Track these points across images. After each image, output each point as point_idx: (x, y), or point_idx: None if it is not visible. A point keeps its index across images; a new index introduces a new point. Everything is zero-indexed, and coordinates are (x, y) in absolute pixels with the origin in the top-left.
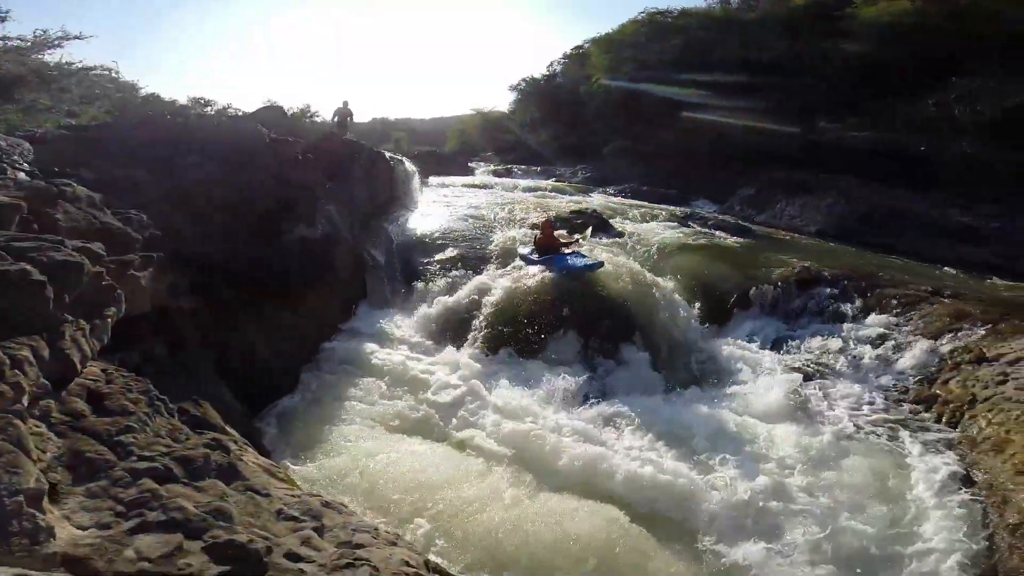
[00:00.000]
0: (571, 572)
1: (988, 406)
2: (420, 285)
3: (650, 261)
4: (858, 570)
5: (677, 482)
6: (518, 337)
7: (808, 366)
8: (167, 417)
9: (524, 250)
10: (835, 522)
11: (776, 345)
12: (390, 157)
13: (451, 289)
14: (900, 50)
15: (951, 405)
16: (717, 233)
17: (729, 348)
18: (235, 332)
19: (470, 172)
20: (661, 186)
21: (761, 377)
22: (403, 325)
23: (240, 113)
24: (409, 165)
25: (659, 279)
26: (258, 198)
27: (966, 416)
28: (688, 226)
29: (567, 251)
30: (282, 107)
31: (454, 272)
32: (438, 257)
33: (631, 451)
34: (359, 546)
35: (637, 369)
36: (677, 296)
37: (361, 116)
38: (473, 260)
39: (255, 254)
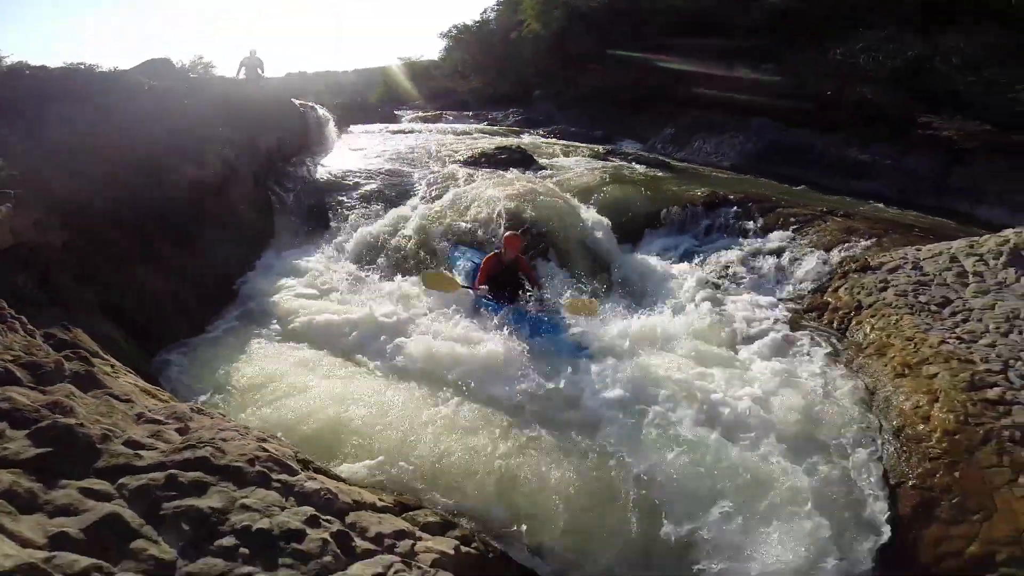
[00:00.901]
0: (482, 481)
1: (871, 312)
2: (334, 222)
3: (571, 189)
4: (743, 467)
5: (582, 381)
6: (436, 261)
7: (714, 275)
8: (23, 335)
9: (461, 277)
10: (725, 419)
11: (685, 258)
12: (300, 104)
13: (366, 221)
14: (814, 3)
15: (840, 312)
16: (636, 166)
17: (643, 262)
18: (124, 272)
19: (397, 120)
20: (589, 128)
21: (671, 286)
22: (315, 259)
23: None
24: (323, 112)
25: (579, 203)
26: (140, 145)
27: (853, 323)
28: (609, 160)
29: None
30: (169, 59)
31: (371, 206)
32: (354, 195)
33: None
34: (221, 441)
35: (553, 283)
36: (596, 215)
37: (276, 71)
38: (392, 195)
39: (142, 196)
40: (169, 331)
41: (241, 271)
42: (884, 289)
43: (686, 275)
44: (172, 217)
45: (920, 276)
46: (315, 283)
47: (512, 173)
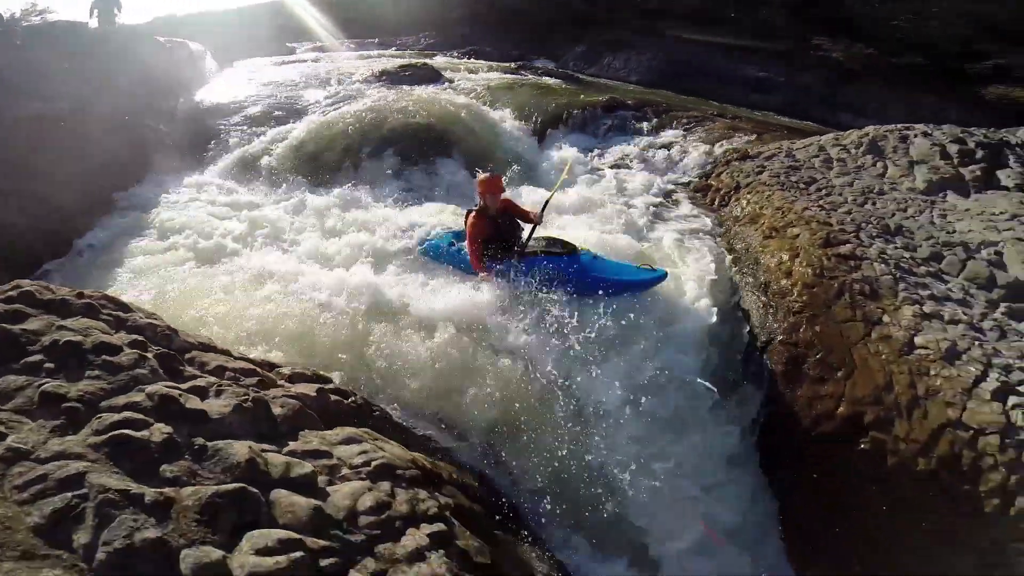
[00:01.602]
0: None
1: (748, 190)
2: (214, 148)
3: (479, 96)
4: (625, 322)
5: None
6: (328, 167)
7: (611, 166)
8: None
9: (435, 236)
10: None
11: (587, 154)
12: (166, 40)
13: (247, 142)
14: None
15: (721, 191)
16: (546, 79)
17: (547, 154)
18: None
19: (291, 52)
20: (504, 49)
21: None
22: (196, 179)
23: None
24: (196, 46)
25: (486, 107)
26: None
27: (732, 200)
28: (520, 75)
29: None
30: None
31: (255, 128)
32: (237, 120)
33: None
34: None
35: (454, 179)
36: (504, 114)
37: (138, 15)
38: (280, 115)
39: None
40: (33, 258)
41: (108, 198)
42: (760, 173)
43: (588, 164)
44: (23, 150)
45: (792, 162)
46: (195, 199)
47: (417, 88)
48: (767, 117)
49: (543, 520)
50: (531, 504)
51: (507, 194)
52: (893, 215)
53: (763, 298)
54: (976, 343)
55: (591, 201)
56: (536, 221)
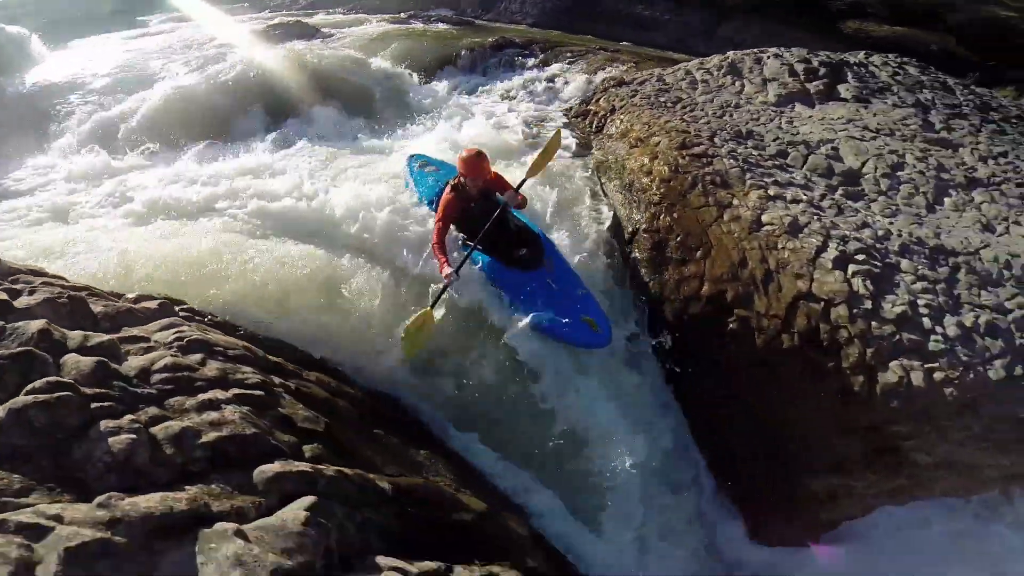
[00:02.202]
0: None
1: (622, 111)
2: (55, 124)
3: (360, 48)
4: None
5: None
6: (191, 132)
7: (497, 99)
8: None
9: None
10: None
11: (473, 91)
12: None
13: (94, 113)
14: None
15: (599, 115)
16: (439, 25)
17: (434, 95)
18: None
19: (140, 26)
20: (391, 7)
21: (459, 110)
22: (40, 161)
23: None
24: (16, 30)
25: (366, 56)
26: None
27: (607, 121)
28: (410, 23)
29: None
30: None
31: (101, 102)
32: (76, 97)
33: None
34: None
35: (328, 122)
36: (380, 62)
37: None
38: (130, 87)
39: None
40: None
41: None
42: (633, 96)
43: (473, 102)
44: None
45: (662, 86)
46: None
47: (288, 44)
48: (647, 51)
49: (448, 433)
50: (432, 415)
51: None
52: (747, 124)
53: (627, 196)
54: (815, 218)
55: (477, 131)
56: (510, 202)
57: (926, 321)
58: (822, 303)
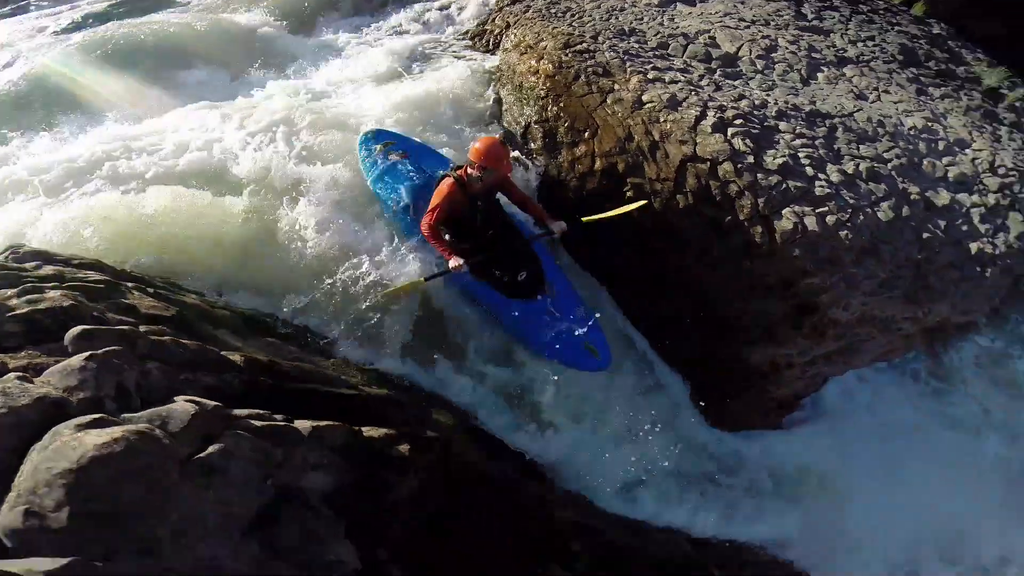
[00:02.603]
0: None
1: (516, 27)
2: None
3: (225, 6)
4: None
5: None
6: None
7: (389, 34)
8: None
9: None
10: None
11: (359, 32)
12: None
13: None
14: None
15: (495, 33)
16: None
17: (317, 41)
18: None
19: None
20: None
21: (345, 51)
22: None
23: None
24: None
25: (232, 13)
26: None
27: (503, 37)
28: None
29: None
30: None
31: None
32: None
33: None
34: None
35: (213, 79)
36: (251, 15)
37: None
38: None
39: None
40: None
41: None
42: (527, 11)
43: (366, 44)
44: None
45: None
46: None
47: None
48: None
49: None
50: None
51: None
52: (631, 23)
53: (518, 96)
54: (693, 93)
55: (371, 68)
56: (557, 232)
57: (808, 169)
58: (708, 163)
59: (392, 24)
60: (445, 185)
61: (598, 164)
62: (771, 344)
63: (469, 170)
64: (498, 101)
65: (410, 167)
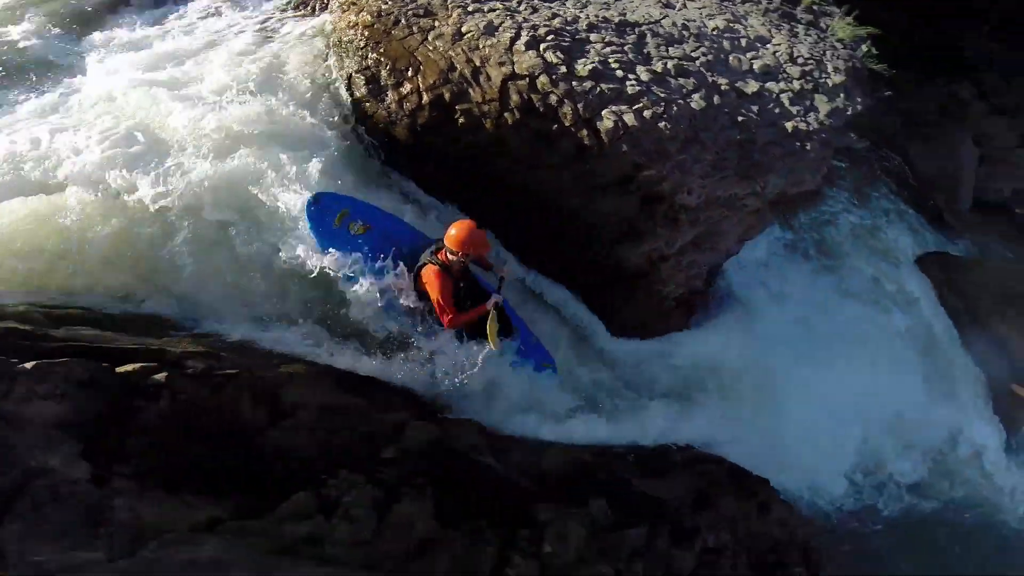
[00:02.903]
0: None
1: None
2: None
3: None
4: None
5: None
6: None
7: (200, 18)
8: None
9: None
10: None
11: (162, 23)
12: None
13: None
14: None
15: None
16: None
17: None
18: None
19: None
20: None
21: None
22: None
23: None
24: None
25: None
26: None
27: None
28: None
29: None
30: None
31: None
32: None
33: None
34: None
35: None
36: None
37: None
38: None
39: None
40: None
41: None
42: None
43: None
44: None
45: None
46: None
47: None
48: None
49: None
50: None
51: None
52: None
53: (339, 50)
54: (508, 18)
55: (190, 55)
56: (501, 276)
57: (618, 72)
58: (527, 79)
59: (199, 8)
60: (435, 276)
61: (425, 98)
62: (637, 241)
63: (450, 256)
64: (325, 59)
65: (374, 243)
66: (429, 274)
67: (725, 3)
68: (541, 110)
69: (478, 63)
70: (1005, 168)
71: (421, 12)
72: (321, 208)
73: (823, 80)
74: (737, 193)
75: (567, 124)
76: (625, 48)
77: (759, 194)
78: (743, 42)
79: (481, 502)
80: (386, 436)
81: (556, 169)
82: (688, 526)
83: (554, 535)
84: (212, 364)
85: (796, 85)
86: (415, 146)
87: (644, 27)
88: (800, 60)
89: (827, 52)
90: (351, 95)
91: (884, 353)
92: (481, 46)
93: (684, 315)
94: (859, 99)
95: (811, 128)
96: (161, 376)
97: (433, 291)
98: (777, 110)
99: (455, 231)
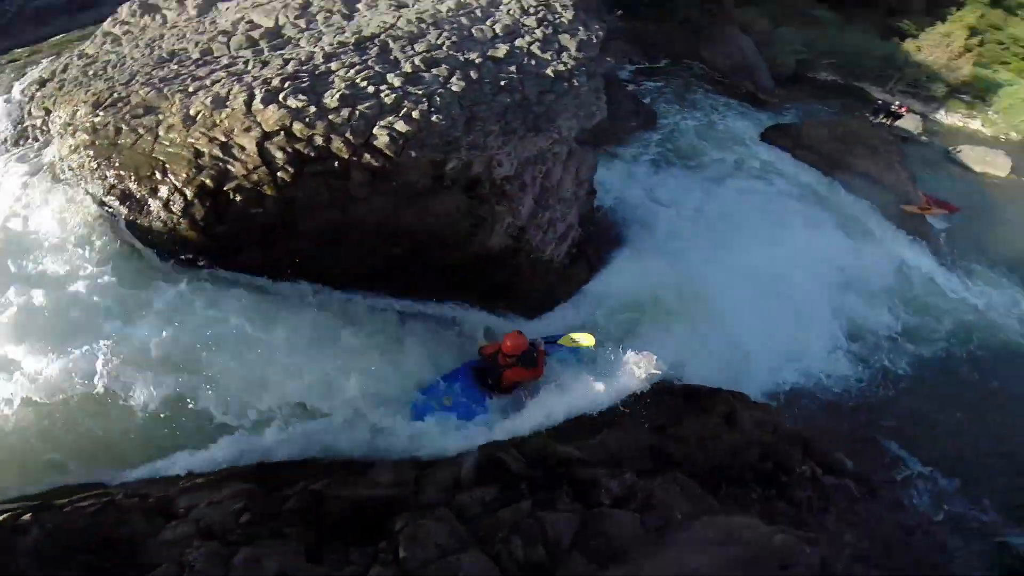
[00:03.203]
0: None
1: (58, 108)
2: None
3: None
4: None
5: None
6: None
7: None
8: None
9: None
10: None
11: None
12: None
13: None
14: None
15: (37, 126)
16: None
17: None
18: None
19: None
20: None
21: None
22: None
23: None
24: None
25: None
26: None
27: (48, 124)
28: None
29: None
30: None
31: None
32: None
33: None
34: None
35: None
36: None
37: None
38: None
39: None
40: None
41: None
42: (61, 87)
43: None
44: None
45: (87, 61)
46: None
47: None
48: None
49: None
50: None
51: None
52: (171, 47)
53: (79, 176)
54: (236, 83)
55: None
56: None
57: (369, 89)
58: (280, 133)
59: None
60: (514, 373)
61: (189, 194)
62: (486, 227)
63: (508, 359)
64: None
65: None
66: (514, 374)
67: None
68: (313, 155)
69: (223, 138)
70: (775, 47)
71: (140, 112)
72: (429, 404)
73: (558, 20)
74: (542, 146)
75: (346, 156)
76: (369, 63)
77: (561, 139)
78: (478, 12)
79: (349, 531)
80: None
81: (365, 200)
82: (586, 478)
83: (407, 539)
84: None
85: (539, 33)
86: (217, 240)
87: (383, 36)
88: (531, 9)
89: None
90: (118, 221)
91: (788, 215)
92: (218, 121)
93: (585, 267)
94: (596, 25)
95: (570, 66)
96: None
97: (524, 375)
98: (533, 62)
99: (510, 341)
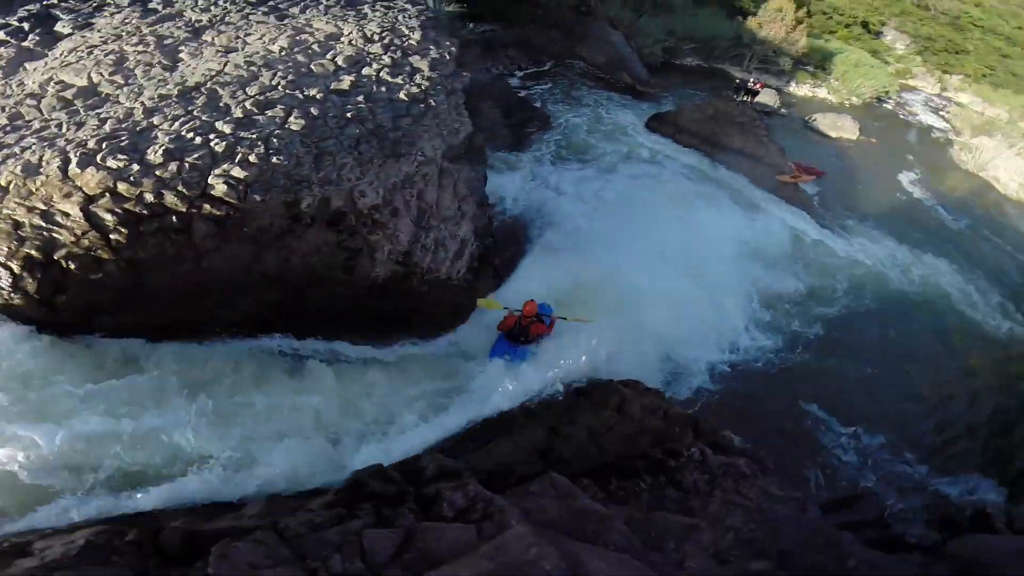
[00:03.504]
0: None
1: None
2: None
3: None
4: None
5: None
6: None
7: None
8: None
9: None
10: None
11: None
12: None
13: None
14: None
15: None
16: None
17: None
18: None
19: None
20: None
21: None
22: None
23: None
24: None
25: None
26: None
27: None
28: None
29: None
30: None
31: None
32: None
33: None
34: None
35: None
36: None
37: None
38: None
39: None
40: None
41: None
42: None
43: None
44: None
45: None
46: None
47: None
48: None
49: None
50: None
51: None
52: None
53: None
54: (48, 148)
55: None
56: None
57: (197, 139)
58: (105, 194)
59: None
60: (535, 328)
61: (16, 268)
62: (368, 257)
63: (527, 318)
64: None
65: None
66: (536, 328)
67: (283, 23)
68: (147, 212)
69: (43, 206)
70: (640, 37)
71: None
72: (495, 354)
73: (406, 43)
74: (407, 170)
75: (184, 209)
76: (195, 113)
77: (427, 160)
78: (316, 47)
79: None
80: None
81: (217, 250)
82: (430, 493)
83: (217, 557)
84: None
85: (387, 59)
86: (61, 311)
87: (209, 83)
88: (376, 37)
89: (398, 16)
90: None
91: (683, 196)
92: (34, 189)
93: (489, 276)
94: (447, 42)
95: (424, 87)
96: None
97: (543, 329)
98: (384, 88)
99: (528, 308)
